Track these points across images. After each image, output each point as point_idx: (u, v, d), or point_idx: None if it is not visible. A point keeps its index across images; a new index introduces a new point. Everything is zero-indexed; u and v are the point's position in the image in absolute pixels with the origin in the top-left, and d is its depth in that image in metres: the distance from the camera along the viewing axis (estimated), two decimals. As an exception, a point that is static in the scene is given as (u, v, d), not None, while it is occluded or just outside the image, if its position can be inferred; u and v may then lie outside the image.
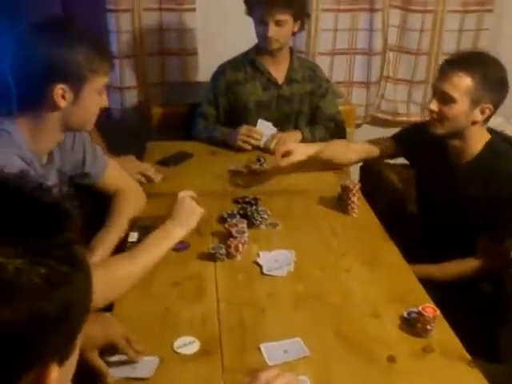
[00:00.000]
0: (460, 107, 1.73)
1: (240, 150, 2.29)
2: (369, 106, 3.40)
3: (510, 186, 1.75)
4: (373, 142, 2.20)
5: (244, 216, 1.74)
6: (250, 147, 2.29)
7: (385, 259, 1.59)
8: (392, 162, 2.92)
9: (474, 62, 1.76)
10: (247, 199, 1.86)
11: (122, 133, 2.97)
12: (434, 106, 1.77)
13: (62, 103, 1.41)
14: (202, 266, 1.53)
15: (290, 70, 2.44)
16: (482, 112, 1.74)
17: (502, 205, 1.74)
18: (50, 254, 0.52)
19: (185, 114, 2.70)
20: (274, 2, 2.24)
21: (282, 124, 2.44)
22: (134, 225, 1.68)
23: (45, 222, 0.54)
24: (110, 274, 1.38)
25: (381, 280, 1.48)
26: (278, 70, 2.45)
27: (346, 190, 1.82)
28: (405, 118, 3.43)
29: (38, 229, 0.53)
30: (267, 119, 2.41)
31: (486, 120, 1.78)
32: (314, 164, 2.16)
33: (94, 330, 1.20)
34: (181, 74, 3.16)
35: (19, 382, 0.48)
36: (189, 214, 1.54)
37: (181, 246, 1.58)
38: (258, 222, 1.72)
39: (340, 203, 1.86)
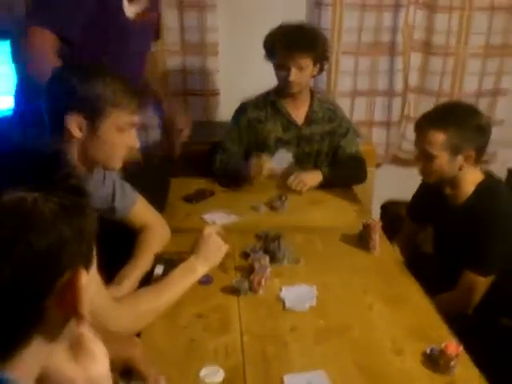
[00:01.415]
0: (441, 161, 1.80)
1: (254, 182, 2.34)
2: (389, 145, 3.44)
3: (497, 222, 1.76)
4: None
5: (266, 251, 1.76)
6: (262, 176, 2.32)
7: (407, 296, 1.60)
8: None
9: (446, 116, 1.82)
10: (269, 235, 1.89)
11: (145, 171, 3.05)
12: (419, 164, 1.87)
13: (77, 133, 1.44)
14: (226, 299, 1.55)
15: (310, 112, 2.49)
16: (466, 158, 1.80)
17: (488, 240, 1.76)
18: (57, 188, 0.62)
19: (206, 152, 2.76)
20: (295, 47, 2.29)
21: (301, 162, 2.48)
22: (158, 258, 1.71)
23: (46, 170, 0.64)
24: (137, 308, 1.41)
25: (403, 316, 1.49)
26: (298, 112, 2.50)
27: (367, 227, 1.84)
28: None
29: (41, 176, 0.63)
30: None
31: (476, 162, 1.83)
32: (336, 201, 2.20)
33: (114, 350, 1.23)
34: (203, 114, 3.26)
35: (56, 283, 0.58)
36: (214, 251, 1.58)
37: (205, 280, 1.61)
38: (281, 258, 1.75)
39: (362, 241, 1.88)
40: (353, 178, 2.51)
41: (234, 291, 1.57)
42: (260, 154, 2.40)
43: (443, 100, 3.37)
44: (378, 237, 1.83)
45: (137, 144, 1.54)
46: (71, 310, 0.59)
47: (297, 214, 2.13)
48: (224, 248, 1.60)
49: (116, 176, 1.77)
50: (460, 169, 1.81)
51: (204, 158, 2.73)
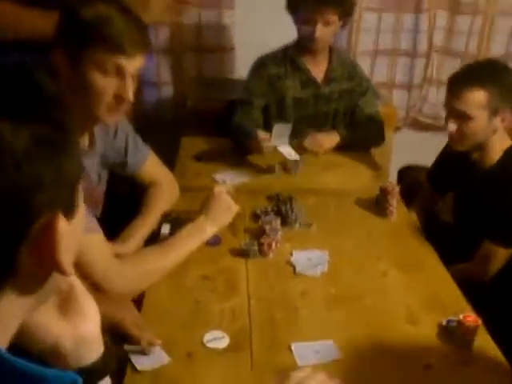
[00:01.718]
0: (478, 123, 1.67)
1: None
2: (410, 108, 3.31)
3: None
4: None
5: (278, 214, 1.69)
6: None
7: (423, 264, 1.53)
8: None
9: (484, 72, 1.69)
10: (281, 197, 1.82)
11: (156, 128, 2.98)
12: (451, 127, 1.71)
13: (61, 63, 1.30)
14: (234, 261, 1.49)
15: (329, 69, 2.39)
16: (503, 120, 1.68)
17: None
18: (32, 118, 0.51)
19: (220, 111, 2.67)
20: (323, 1, 2.16)
21: (319, 123, 2.39)
22: (166, 217, 1.65)
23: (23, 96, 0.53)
24: (141, 267, 1.35)
25: (419, 285, 1.42)
26: (318, 69, 2.39)
27: (384, 191, 1.76)
28: (446, 123, 3.34)
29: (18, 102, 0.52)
30: (304, 117, 2.36)
31: (508, 126, 1.71)
32: (352, 164, 2.12)
33: (105, 311, 1.19)
34: (218, 70, 3.15)
35: (30, 228, 0.51)
36: (224, 211, 1.51)
37: (213, 241, 1.55)
38: (292, 221, 1.67)
39: (378, 205, 1.80)
40: (370, 141, 2.42)
41: (243, 254, 1.51)
42: (278, 115, 2.32)
43: (469, 62, 3.23)
44: (395, 202, 1.75)
45: (127, 95, 1.32)
46: (48, 258, 0.52)
47: (311, 176, 2.05)
48: (234, 208, 1.53)
49: (129, 129, 1.70)
50: (494, 132, 1.70)
51: (217, 116, 2.64)
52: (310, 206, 1.81)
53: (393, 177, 2.75)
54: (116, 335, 1.12)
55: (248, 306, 1.31)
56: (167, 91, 3.13)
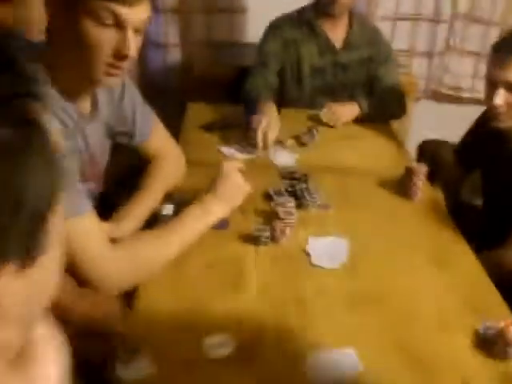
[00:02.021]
0: None
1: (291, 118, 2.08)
2: (430, 78, 3.12)
3: None
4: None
5: (292, 195, 1.53)
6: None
7: (455, 257, 1.37)
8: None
9: None
10: (296, 175, 1.65)
11: (162, 92, 2.80)
12: (500, 99, 1.52)
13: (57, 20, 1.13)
14: (242, 248, 1.34)
15: (349, 34, 2.20)
16: None
17: None
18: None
19: (229, 77, 2.49)
20: None
21: (336, 93, 2.21)
22: (168, 196, 1.49)
23: None
24: (138, 255, 1.20)
25: (451, 283, 1.27)
26: (337, 34, 2.20)
27: (410, 172, 1.59)
28: (468, 95, 3.15)
29: None
30: (321, 87, 2.17)
31: None
32: (372, 139, 1.95)
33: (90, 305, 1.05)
34: (228, 34, 2.95)
35: None
36: (234, 190, 1.35)
37: (220, 224, 1.39)
38: (308, 203, 1.51)
39: (402, 187, 1.64)
40: (391, 113, 2.24)
41: (253, 239, 1.35)
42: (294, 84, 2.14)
43: (494, 30, 3.02)
44: (421, 184, 1.58)
45: (128, 50, 1.13)
46: None
47: (328, 152, 1.88)
48: (246, 188, 1.37)
49: (137, 94, 1.52)
50: None
51: (227, 82, 2.46)
52: (328, 185, 1.65)
53: (412, 151, 2.57)
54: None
55: (257, 304, 1.16)
56: (173, 54, 2.94)
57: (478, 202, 2.26)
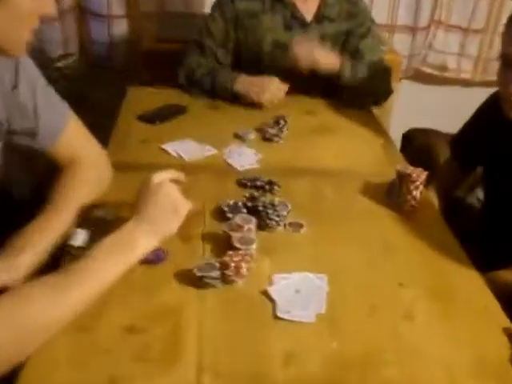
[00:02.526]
0: None
1: (254, 106, 1.71)
2: (413, 56, 2.76)
3: None
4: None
5: (253, 211, 1.16)
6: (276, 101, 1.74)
7: (464, 293, 1.02)
8: (445, 131, 2.33)
9: None
10: (259, 182, 1.28)
11: (103, 74, 2.40)
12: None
13: None
14: (181, 295, 0.96)
15: (322, 5, 1.82)
16: None
17: None
18: None
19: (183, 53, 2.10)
20: None
21: (306, 76, 1.83)
22: (86, 216, 1.11)
23: None
24: (22, 316, 0.81)
25: (461, 331, 0.92)
26: (307, 5, 1.82)
27: (404, 179, 1.23)
28: (454, 75, 2.83)
29: None
30: (287, 68, 1.80)
31: None
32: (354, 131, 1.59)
33: None
34: (183, 4, 2.55)
35: None
36: (166, 213, 0.97)
37: (152, 258, 1.02)
38: (274, 223, 1.14)
39: (392, 196, 1.28)
40: (376, 93, 1.86)
41: (197, 282, 0.98)
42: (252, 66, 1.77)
43: (483, 3, 2.68)
44: (419, 194, 1.22)
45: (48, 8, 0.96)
46: None
47: (299, 149, 1.50)
48: (184, 207, 0.99)
49: (39, 79, 1.13)
50: None
51: (178, 60, 2.06)
52: (300, 195, 1.28)
53: (396, 142, 2.22)
54: None
55: (199, 388, 0.80)
56: (119, 28, 2.53)
57: (473, 200, 1.94)
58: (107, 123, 1.56)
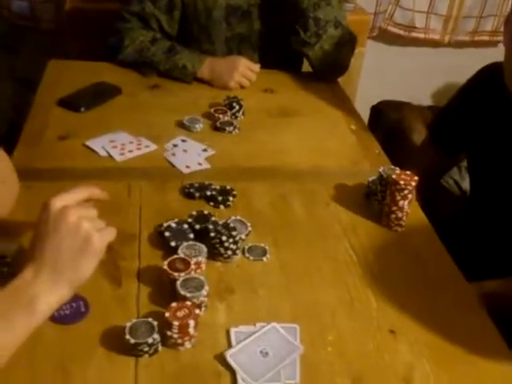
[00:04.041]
0: None
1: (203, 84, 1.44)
2: (379, 14, 2.50)
3: None
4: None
5: (202, 233, 0.91)
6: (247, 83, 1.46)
7: (471, 338, 0.82)
8: (418, 103, 2.12)
9: None
10: (209, 191, 1.03)
11: (21, 44, 2.06)
12: None
13: None
14: (109, 370, 0.71)
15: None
16: None
17: None
18: None
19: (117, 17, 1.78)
20: None
21: (263, 44, 1.55)
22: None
23: None
24: None
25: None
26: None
27: (388, 184, 1.00)
28: (422, 35, 2.59)
29: None
30: (242, 35, 1.51)
31: None
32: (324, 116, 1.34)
33: None
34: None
35: None
36: (73, 251, 0.70)
37: (68, 313, 0.77)
38: (230, 252, 0.90)
39: (374, 204, 1.05)
40: (340, 63, 1.59)
41: (130, 348, 0.73)
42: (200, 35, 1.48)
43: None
44: (407, 204, 0.99)
45: None
46: None
47: (258, 140, 1.25)
48: (99, 240, 0.72)
49: None
50: None
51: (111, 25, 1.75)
52: (260, 205, 1.04)
53: (364, 117, 2.00)
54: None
55: None
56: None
57: (450, 181, 1.75)
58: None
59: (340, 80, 1.65)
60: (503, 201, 1.19)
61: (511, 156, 1.16)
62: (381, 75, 2.45)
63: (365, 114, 2.16)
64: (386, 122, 1.88)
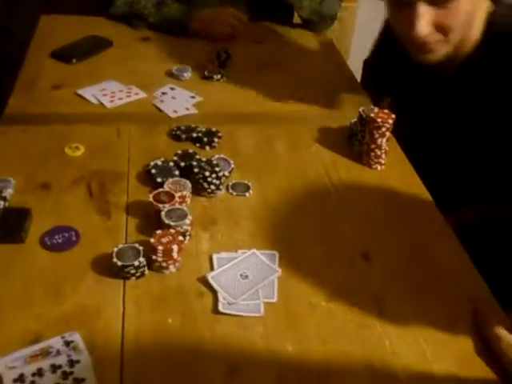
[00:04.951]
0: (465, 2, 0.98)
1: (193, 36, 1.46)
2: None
3: None
4: None
5: (187, 171, 0.95)
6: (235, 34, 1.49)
7: (442, 264, 0.86)
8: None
9: None
10: (195, 133, 1.07)
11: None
12: (422, 26, 0.98)
13: None
14: (98, 291, 0.77)
15: None
16: None
17: None
18: None
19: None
20: None
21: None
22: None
23: None
24: None
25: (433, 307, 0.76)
26: None
27: (367, 123, 1.04)
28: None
29: None
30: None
31: None
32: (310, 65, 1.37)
33: None
34: None
35: None
36: None
37: (59, 241, 0.82)
38: (213, 187, 0.94)
39: (355, 144, 1.09)
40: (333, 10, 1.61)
41: (118, 271, 0.78)
42: None
43: None
44: (385, 141, 1.03)
45: None
46: None
47: (245, 88, 1.28)
48: None
49: None
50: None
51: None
52: (245, 147, 1.08)
53: (358, 72, 2.02)
54: None
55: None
56: None
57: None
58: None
59: (333, 36, 1.68)
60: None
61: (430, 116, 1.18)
62: (374, 30, 2.46)
63: (358, 70, 2.18)
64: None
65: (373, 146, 1.03)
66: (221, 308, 0.75)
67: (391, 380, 0.69)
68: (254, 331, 0.73)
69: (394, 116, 1.02)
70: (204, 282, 0.79)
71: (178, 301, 0.76)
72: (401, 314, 0.77)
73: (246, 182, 0.98)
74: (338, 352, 0.71)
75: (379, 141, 1.03)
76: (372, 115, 1.02)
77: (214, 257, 0.83)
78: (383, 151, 1.04)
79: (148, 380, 0.66)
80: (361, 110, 1.07)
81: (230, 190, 0.96)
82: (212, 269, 0.81)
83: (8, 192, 0.89)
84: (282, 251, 0.85)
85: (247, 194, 0.96)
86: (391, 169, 1.06)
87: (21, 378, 0.62)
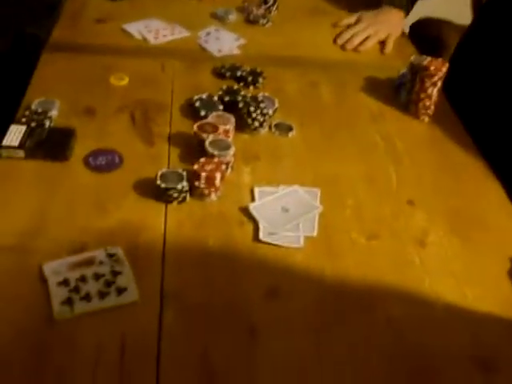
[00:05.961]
0: None
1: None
2: None
3: None
4: None
5: (231, 107, 0.94)
6: None
7: (487, 215, 0.84)
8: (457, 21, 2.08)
9: None
10: (240, 72, 1.05)
11: None
12: None
13: None
14: (140, 211, 0.76)
15: None
16: None
17: None
18: None
19: None
20: None
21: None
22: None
23: None
24: None
25: (484, 273, 0.75)
26: None
27: (418, 71, 1.01)
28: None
29: None
30: None
31: None
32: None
33: None
34: None
35: None
36: None
37: (103, 163, 0.82)
38: (257, 122, 0.93)
39: (403, 94, 1.07)
40: None
41: (161, 195, 0.78)
42: None
43: None
44: (436, 92, 1.01)
45: None
46: None
47: (291, 33, 1.26)
48: None
49: None
50: None
51: None
52: (289, 90, 1.06)
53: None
54: None
55: (159, 320, 0.62)
56: None
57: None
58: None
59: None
60: None
61: None
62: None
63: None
64: (424, 40, 1.85)
65: (423, 96, 1.01)
66: (261, 236, 0.75)
67: (429, 316, 0.68)
68: (294, 258, 0.72)
69: (447, 64, 0.99)
70: (245, 211, 0.79)
71: (219, 227, 0.76)
72: (443, 255, 0.76)
73: (289, 123, 0.97)
74: (376, 281, 0.71)
75: (430, 90, 1.00)
76: (425, 63, 0.99)
77: (256, 189, 0.82)
78: (433, 102, 1.01)
79: (188, 295, 0.66)
80: (412, 58, 1.04)
81: (273, 130, 0.95)
82: (253, 200, 0.81)
83: (53, 113, 0.89)
84: (324, 189, 0.84)
85: (290, 135, 0.95)
86: (439, 121, 1.03)
87: (65, 282, 0.63)
